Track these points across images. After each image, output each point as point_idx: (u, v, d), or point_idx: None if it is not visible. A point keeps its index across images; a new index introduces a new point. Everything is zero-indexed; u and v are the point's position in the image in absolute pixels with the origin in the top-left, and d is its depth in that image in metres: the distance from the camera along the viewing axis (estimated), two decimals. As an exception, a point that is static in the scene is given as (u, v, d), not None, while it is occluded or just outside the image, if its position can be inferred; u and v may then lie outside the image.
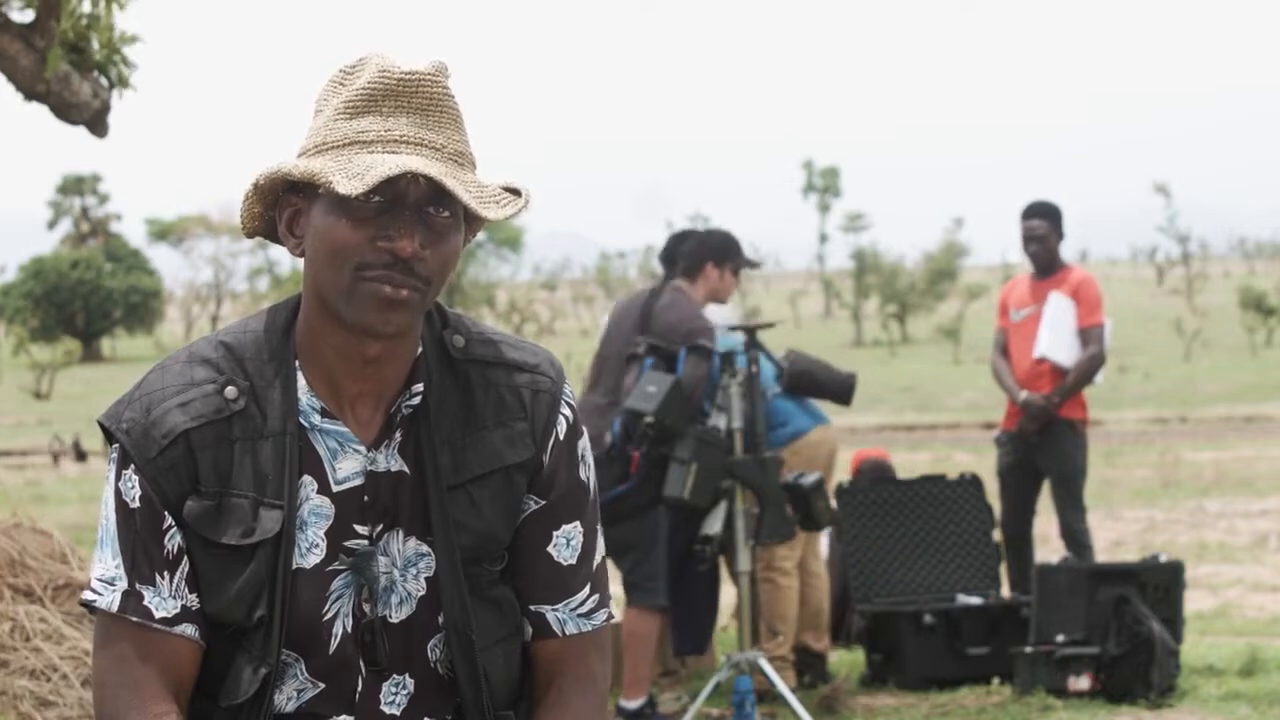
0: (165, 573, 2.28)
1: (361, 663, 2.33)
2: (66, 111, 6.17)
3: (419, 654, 2.35)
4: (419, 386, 2.33)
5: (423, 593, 2.34)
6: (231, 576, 2.28)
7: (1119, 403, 24.44)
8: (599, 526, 2.46)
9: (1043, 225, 8.58)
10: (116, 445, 2.31)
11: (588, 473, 2.44)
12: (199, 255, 64.65)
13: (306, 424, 2.31)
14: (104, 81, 6.31)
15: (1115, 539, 12.40)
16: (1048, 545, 9.93)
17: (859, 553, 8.13)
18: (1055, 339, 8.44)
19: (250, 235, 2.38)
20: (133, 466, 2.28)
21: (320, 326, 2.30)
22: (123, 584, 2.29)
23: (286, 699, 2.32)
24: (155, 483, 2.27)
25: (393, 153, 2.22)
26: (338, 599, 2.31)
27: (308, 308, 2.32)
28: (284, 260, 59.75)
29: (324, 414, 2.31)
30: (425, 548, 2.33)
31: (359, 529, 2.32)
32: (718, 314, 7.90)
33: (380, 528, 2.32)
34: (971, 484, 8.34)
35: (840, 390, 7.65)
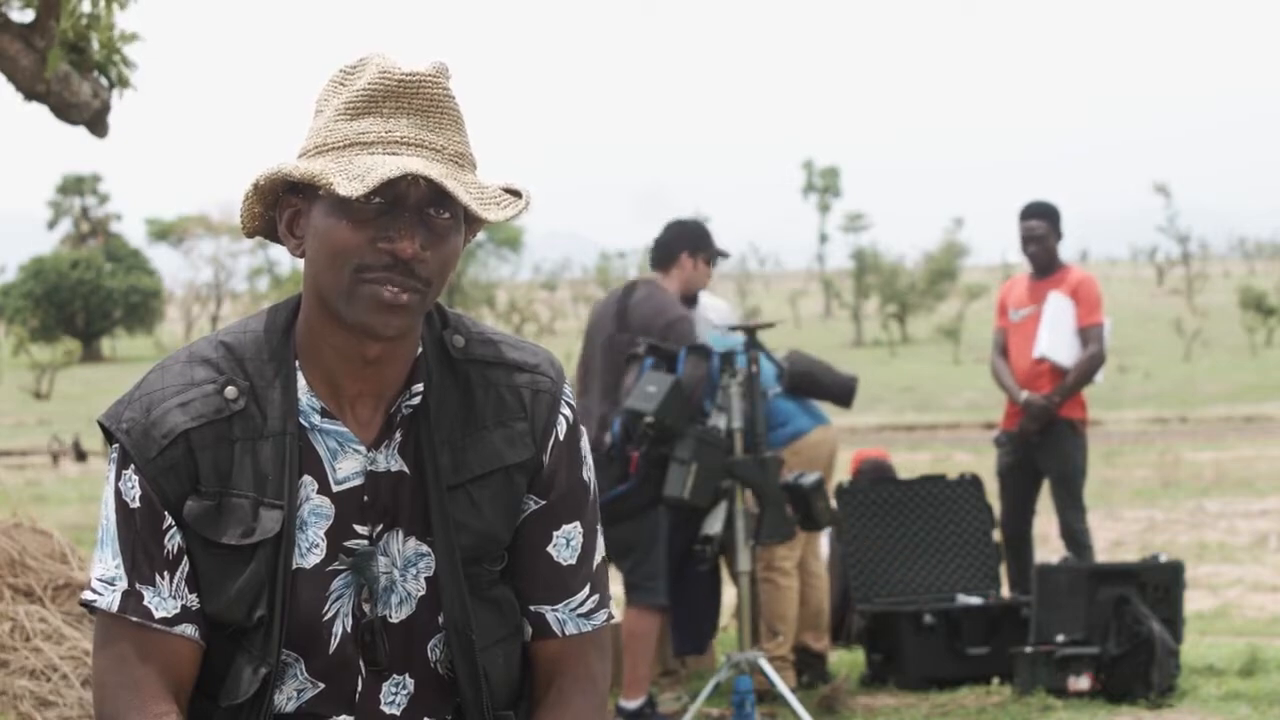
0: (165, 573, 2.28)
1: (361, 663, 2.33)
2: (66, 111, 6.16)
3: (419, 654, 2.35)
4: (419, 386, 2.33)
5: (423, 593, 2.34)
6: (231, 576, 2.28)
7: (1119, 403, 24.44)
8: (599, 527, 2.46)
9: (1041, 225, 8.57)
10: (116, 445, 2.31)
11: (588, 473, 2.44)
12: (199, 255, 64.69)
13: (306, 424, 2.31)
14: (104, 81, 6.31)
15: (1115, 539, 12.40)
16: (1048, 545, 9.93)
17: (859, 553, 8.13)
18: (1055, 339, 8.44)
19: (250, 235, 2.38)
20: (133, 466, 2.28)
21: (320, 327, 2.30)
22: (123, 584, 2.29)
23: (286, 699, 2.32)
24: (155, 483, 2.27)
25: (393, 154, 2.22)
26: (338, 599, 2.31)
27: (308, 308, 2.32)
28: (284, 260, 59.76)
29: (324, 414, 2.31)
30: (425, 548, 2.33)
31: (359, 529, 2.32)
32: (718, 314, 7.90)
33: (380, 528, 2.32)
34: (971, 484, 8.34)
35: (841, 392, 7.66)
